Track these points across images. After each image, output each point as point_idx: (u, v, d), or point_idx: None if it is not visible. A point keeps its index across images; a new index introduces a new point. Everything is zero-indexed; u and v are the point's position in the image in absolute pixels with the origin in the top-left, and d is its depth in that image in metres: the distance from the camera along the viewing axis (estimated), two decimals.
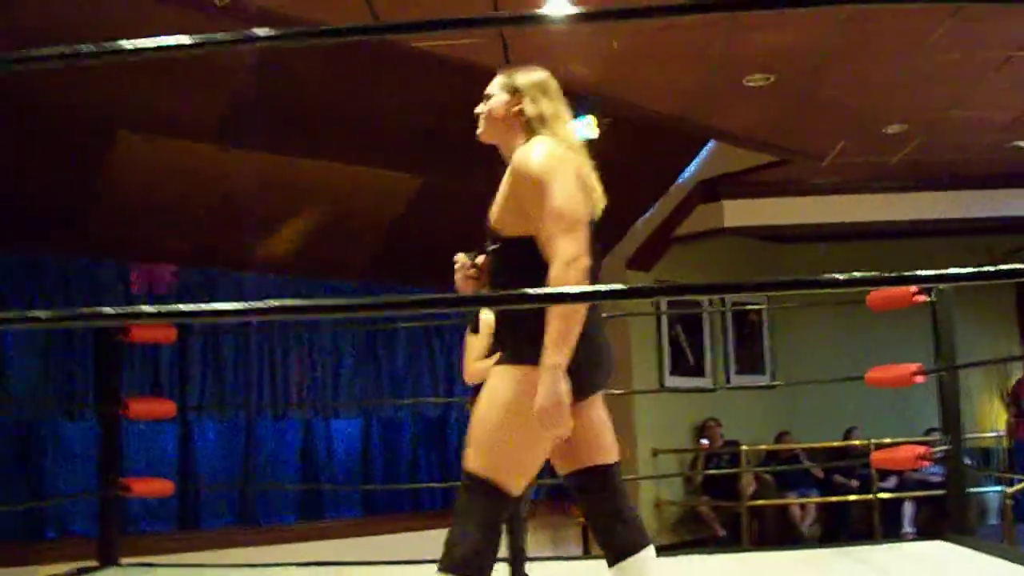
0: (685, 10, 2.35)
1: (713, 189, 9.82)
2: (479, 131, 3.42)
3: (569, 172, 3.09)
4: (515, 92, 3.34)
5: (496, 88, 3.40)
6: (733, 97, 7.23)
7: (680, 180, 9.81)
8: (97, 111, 6.57)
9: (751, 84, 6.98)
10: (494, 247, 3.25)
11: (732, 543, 9.96)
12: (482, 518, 2.97)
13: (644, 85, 6.95)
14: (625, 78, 6.78)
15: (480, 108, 3.41)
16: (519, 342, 3.07)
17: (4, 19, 5.64)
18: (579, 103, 6.84)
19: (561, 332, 2.90)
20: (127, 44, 1.93)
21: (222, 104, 6.74)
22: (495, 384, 3.08)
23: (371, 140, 7.60)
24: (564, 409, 2.87)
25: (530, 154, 3.12)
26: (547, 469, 3.45)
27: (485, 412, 3.06)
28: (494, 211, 3.22)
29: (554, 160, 3.09)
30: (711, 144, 9.37)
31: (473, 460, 3.04)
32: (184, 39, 1.92)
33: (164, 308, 2.56)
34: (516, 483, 3.02)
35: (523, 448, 3.01)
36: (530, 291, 1.97)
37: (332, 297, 8.49)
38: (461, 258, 3.91)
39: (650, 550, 3.19)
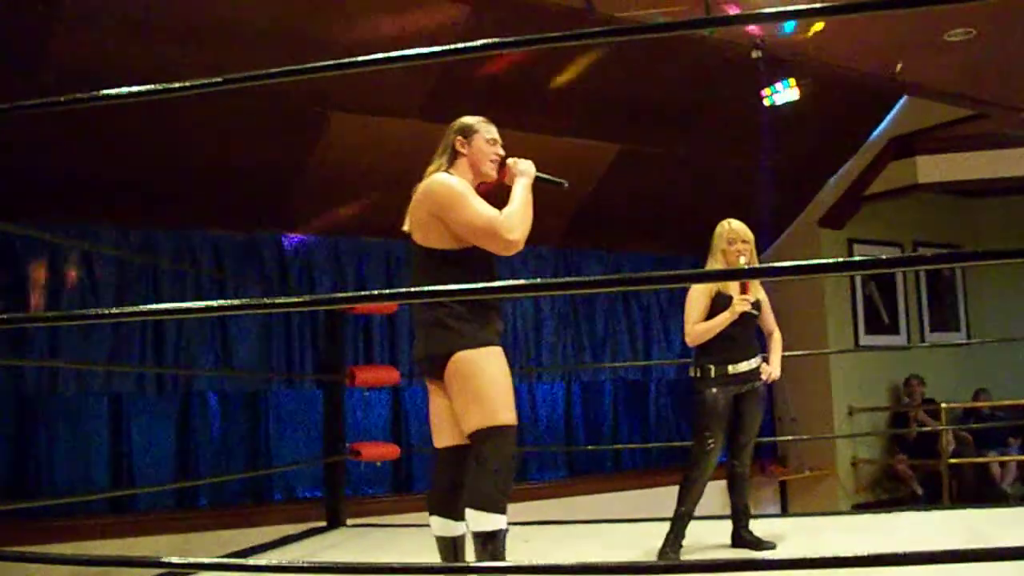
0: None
1: (906, 145, 9.68)
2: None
3: None
4: None
5: None
6: (933, 52, 7.15)
7: (872, 137, 9.73)
8: (310, 93, 6.85)
9: (951, 39, 6.90)
10: None
11: (931, 502, 9.88)
12: None
13: (844, 44, 6.94)
14: (826, 38, 6.78)
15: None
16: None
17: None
18: (780, 66, 6.92)
19: None
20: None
21: (429, 81, 6.97)
22: None
23: (568, 110, 7.75)
24: None
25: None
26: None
27: None
28: None
29: None
30: (903, 100, 9.27)
31: None
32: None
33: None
34: None
35: None
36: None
37: (532, 264, 8.73)
38: None
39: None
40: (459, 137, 4.08)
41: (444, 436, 4.02)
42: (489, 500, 3.71)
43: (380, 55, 2.36)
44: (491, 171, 4.08)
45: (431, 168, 4.05)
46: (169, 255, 7.38)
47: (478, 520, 3.72)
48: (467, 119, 4.15)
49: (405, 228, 4.07)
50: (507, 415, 3.82)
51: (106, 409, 7.28)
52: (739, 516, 5.16)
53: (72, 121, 6.19)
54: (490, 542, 3.70)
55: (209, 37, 6.09)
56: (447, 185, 3.88)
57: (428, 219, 3.88)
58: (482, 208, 3.82)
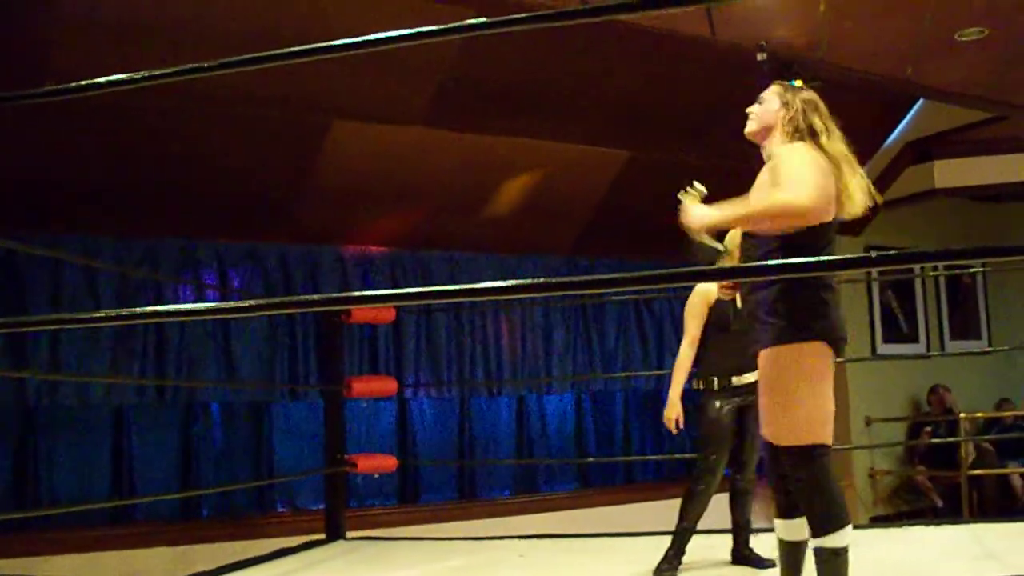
0: None
1: (923, 150, 9.51)
2: (747, 128, 3.86)
3: (819, 169, 3.54)
4: (787, 104, 3.80)
5: (771, 96, 3.87)
6: (945, 53, 6.99)
7: (888, 142, 9.57)
8: (312, 101, 6.76)
9: (963, 39, 6.74)
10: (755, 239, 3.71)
11: (951, 515, 9.70)
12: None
13: (853, 45, 6.79)
14: (833, 39, 6.63)
15: (753, 108, 3.88)
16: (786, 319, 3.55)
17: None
18: (787, 68, 6.76)
19: None
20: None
21: (433, 87, 6.87)
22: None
23: (576, 116, 7.63)
24: None
25: (790, 148, 3.63)
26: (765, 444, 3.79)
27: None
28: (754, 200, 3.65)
29: (807, 157, 3.55)
30: (920, 103, 9.11)
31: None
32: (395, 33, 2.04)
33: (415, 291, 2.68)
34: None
35: None
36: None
37: (542, 273, 8.62)
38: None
39: None
40: None
41: None
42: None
43: (347, 40, 2.26)
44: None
45: None
46: (172, 265, 7.31)
47: None
48: None
49: None
50: None
51: (108, 420, 7.20)
52: (740, 532, 5.02)
53: (72, 131, 6.13)
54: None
55: (212, 48, 6.00)
56: None
57: None
58: None
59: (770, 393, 3.58)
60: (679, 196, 3.75)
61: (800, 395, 3.49)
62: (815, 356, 3.50)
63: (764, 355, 3.59)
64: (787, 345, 3.50)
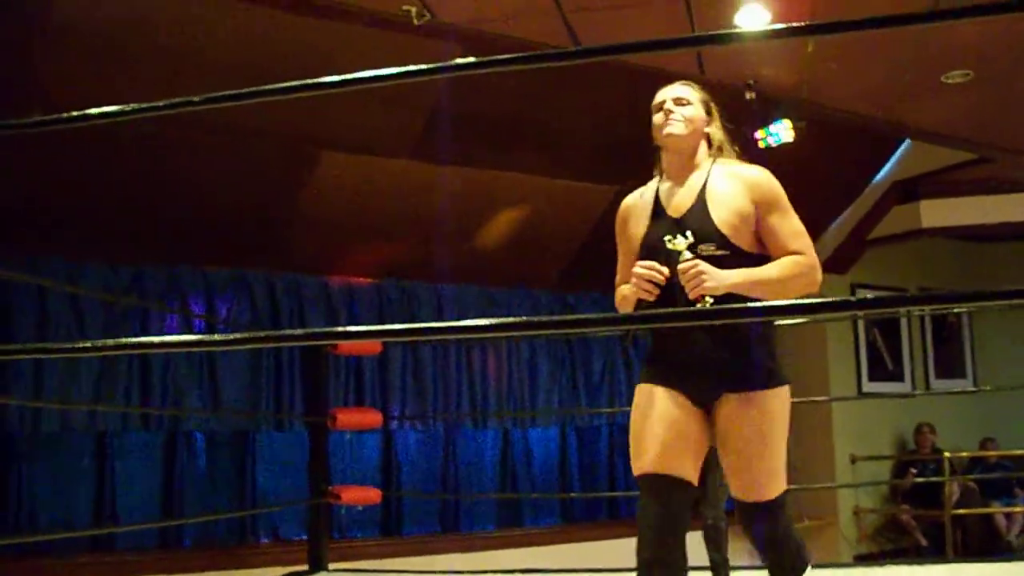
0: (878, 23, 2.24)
1: (910, 189, 9.57)
2: (678, 131, 3.37)
3: None
4: (710, 113, 3.46)
5: (695, 100, 3.44)
6: (931, 95, 7.05)
7: (875, 181, 9.62)
8: (302, 133, 6.79)
9: (949, 81, 6.79)
10: (721, 255, 3.20)
11: (935, 553, 9.69)
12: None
13: (840, 86, 6.84)
14: (820, 79, 6.68)
15: (678, 109, 3.39)
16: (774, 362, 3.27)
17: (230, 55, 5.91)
18: (774, 107, 6.81)
19: None
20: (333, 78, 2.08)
21: (421, 120, 6.90)
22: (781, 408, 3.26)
23: (564, 151, 7.66)
24: None
25: (772, 177, 3.30)
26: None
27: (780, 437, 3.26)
28: (730, 222, 3.24)
29: None
30: (906, 144, 9.16)
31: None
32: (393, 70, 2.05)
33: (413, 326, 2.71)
34: None
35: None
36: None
37: (528, 306, 8.62)
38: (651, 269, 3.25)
39: None
40: None
41: None
42: None
43: (336, 78, 2.26)
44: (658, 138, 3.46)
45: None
46: (159, 292, 7.30)
47: None
48: None
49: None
50: (634, 464, 3.40)
51: (90, 447, 7.16)
52: (718, 571, 4.99)
53: (61, 154, 6.13)
54: None
55: (206, 76, 6.02)
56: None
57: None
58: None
59: (762, 441, 3.20)
60: (682, 258, 3.17)
61: (783, 442, 3.24)
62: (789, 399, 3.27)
63: (754, 399, 3.19)
64: (779, 388, 3.23)
